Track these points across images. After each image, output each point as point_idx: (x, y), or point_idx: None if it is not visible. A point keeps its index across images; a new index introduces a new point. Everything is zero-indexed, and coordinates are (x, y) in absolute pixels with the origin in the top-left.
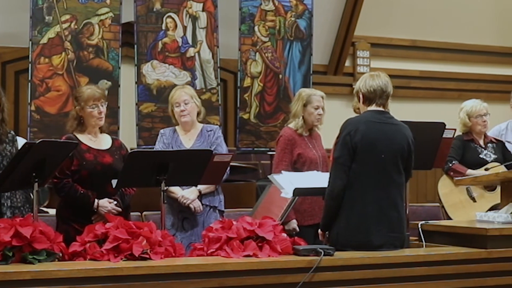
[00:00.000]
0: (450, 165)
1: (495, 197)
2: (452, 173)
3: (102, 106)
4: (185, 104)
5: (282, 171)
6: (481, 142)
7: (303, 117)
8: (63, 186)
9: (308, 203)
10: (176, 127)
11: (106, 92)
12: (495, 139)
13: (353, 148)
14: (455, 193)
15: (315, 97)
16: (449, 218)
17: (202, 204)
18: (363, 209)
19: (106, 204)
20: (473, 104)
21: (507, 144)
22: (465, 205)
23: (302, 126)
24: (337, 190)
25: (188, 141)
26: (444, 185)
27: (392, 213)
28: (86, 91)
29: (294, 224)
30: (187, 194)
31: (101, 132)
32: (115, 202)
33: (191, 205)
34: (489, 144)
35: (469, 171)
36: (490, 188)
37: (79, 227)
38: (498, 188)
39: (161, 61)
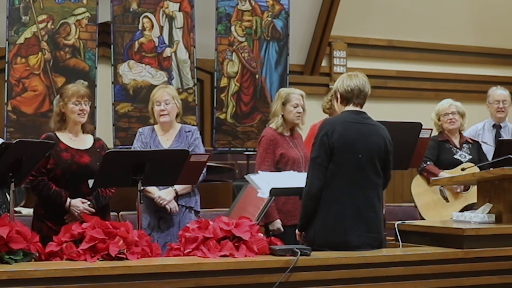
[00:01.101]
0: (424, 165)
1: (468, 197)
2: (425, 174)
3: (85, 104)
4: (166, 104)
5: (264, 171)
6: (456, 143)
7: (283, 116)
8: (37, 184)
9: (292, 203)
10: (155, 126)
11: None
12: (471, 139)
13: (330, 148)
14: (428, 193)
15: (294, 95)
16: (422, 218)
17: (178, 205)
18: (340, 209)
19: (78, 204)
20: (442, 103)
21: (483, 145)
22: (437, 205)
23: (282, 125)
24: (314, 191)
25: (166, 141)
26: (417, 185)
27: (369, 214)
28: (71, 88)
29: (278, 224)
30: (164, 195)
31: (83, 133)
32: (89, 203)
33: (167, 206)
34: (465, 145)
35: (442, 174)
36: (463, 188)
37: (52, 225)
38: (471, 188)
39: (137, 61)
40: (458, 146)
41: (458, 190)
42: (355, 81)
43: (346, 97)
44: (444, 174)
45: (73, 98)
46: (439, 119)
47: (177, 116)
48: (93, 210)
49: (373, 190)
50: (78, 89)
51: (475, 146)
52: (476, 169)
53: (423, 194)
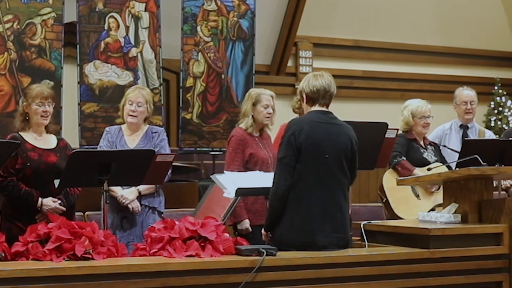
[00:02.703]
0: (400, 159)
1: (439, 195)
2: (400, 169)
3: (49, 106)
4: (138, 106)
5: (233, 171)
6: (422, 143)
7: (253, 117)
8: (7, 185)
9: (261, 203)
10: (122, 126)
11: None
12: (432, 142)
13: (298, 148)
14: (400, 188)
15: (264, 96)
16: (393, 212)
17: (142, 205)
18: (307, 209)
19: (50, 203)
20: (419, 105)
21: (447, 149)
22: (409, 201)
23: (252, 126)
24: (281, 191)
25: (132, 141)
26: (389, 179)
27: (336, 214)
28: (35, 88)
29: (246, 224)
30: (127, 194)
31: (47, 132)
32: (59, 201)
33: (129, 205)
34: (429, 146)
35: (416, 171)
36: (437, 187)
37: (22, 226)
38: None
39: (103, 61)
40: (424, 147)
41: (433, 189)
42: (320, 81)
43: (312, 97)
44: (418, 172)
45: (37, 99)
46: (412, 119)
47: (145, 119)
48: (64, 208)
49: (340, 190)
50: (42, 90)
51: (437, 149)
52: (443, 169)
53: (396, 189)
